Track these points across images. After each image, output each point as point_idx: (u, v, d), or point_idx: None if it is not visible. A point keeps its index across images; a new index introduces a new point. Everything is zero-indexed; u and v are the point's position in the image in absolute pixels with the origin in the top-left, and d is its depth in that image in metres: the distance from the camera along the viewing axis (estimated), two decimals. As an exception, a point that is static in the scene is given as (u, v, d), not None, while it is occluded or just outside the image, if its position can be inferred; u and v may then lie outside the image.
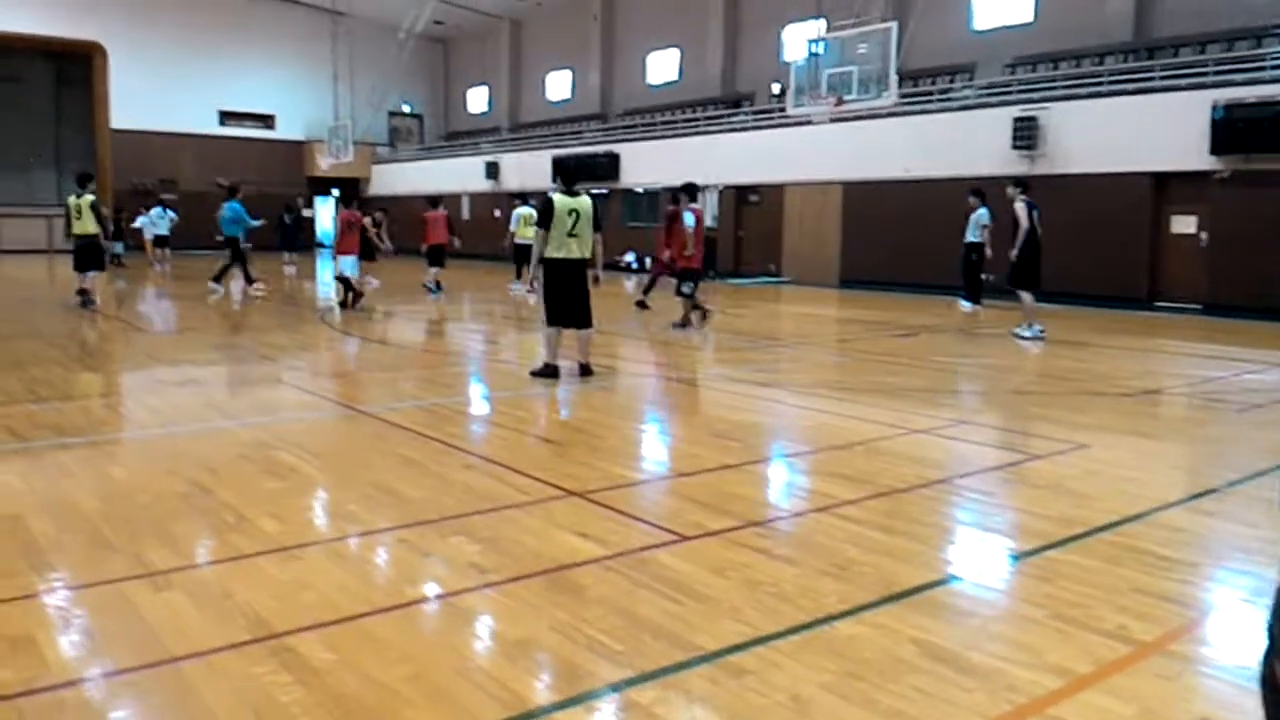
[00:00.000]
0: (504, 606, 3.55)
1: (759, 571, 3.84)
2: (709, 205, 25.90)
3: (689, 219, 12.35)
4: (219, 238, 17.54)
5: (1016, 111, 18.17)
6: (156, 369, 9.47)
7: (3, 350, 9.92)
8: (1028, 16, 21.44)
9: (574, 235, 8.17)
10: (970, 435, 6.69)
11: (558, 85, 35.94)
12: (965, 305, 14.91)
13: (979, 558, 4.28)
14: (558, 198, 8.17)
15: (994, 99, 19.36)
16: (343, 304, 14.53)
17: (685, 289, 12.52)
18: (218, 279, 16.84)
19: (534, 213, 19.17)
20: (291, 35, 36.53)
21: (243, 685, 2.89)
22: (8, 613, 3.42)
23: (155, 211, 26.28)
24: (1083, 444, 6.28)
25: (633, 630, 3.28)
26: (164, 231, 25.99)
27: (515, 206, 19.12)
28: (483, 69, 39.33)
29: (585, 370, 8.67)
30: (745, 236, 24.64)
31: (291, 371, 9.44)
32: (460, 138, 39.50)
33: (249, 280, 16.95)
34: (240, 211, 16.79)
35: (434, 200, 19.16)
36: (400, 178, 36.76)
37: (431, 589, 3.76)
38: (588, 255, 8.35)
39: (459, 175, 33.60)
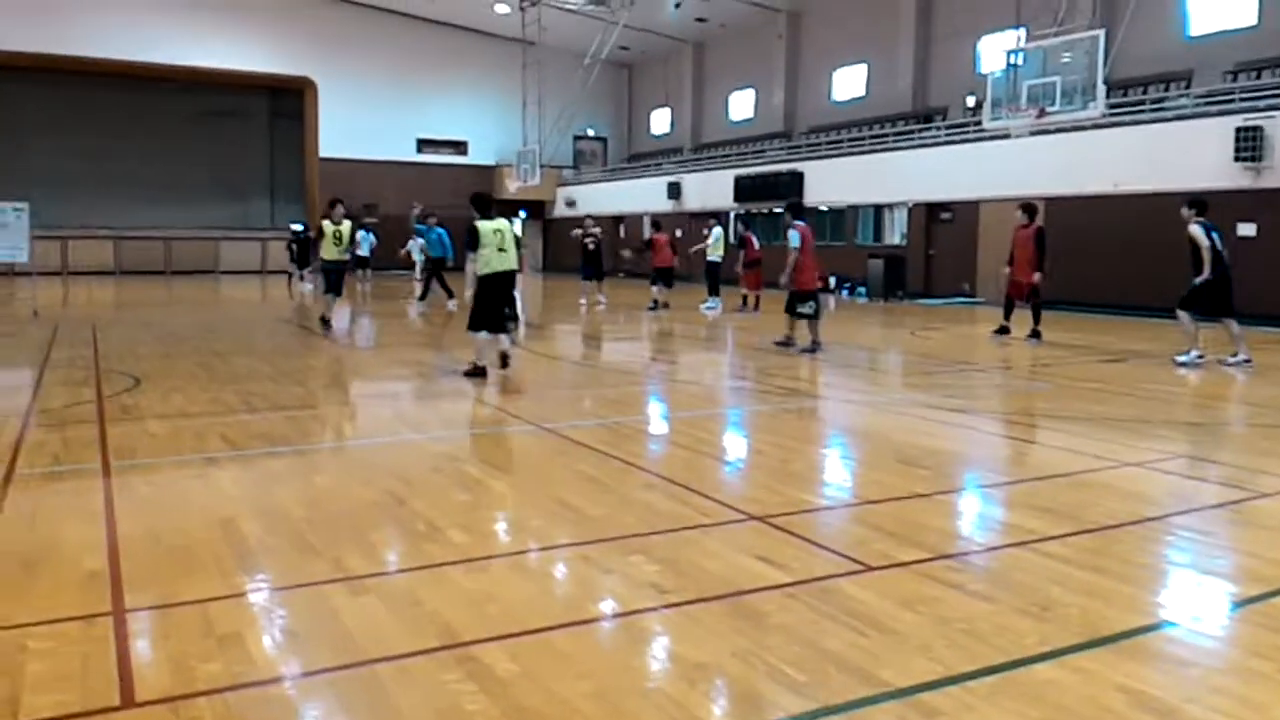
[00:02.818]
0: (684, 629, 3.50)
1: (951, 607, 3.66)
2: (897, 223, 25.29)
3: (794, 238, 11.90)
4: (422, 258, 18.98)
5: (1239, 121, 16.78)
6: (357, 383, 10.07)
7: (221, 366, 10.64)
8: (1251, 19, 19.92)
9: (502, 250, 9.37)
10: (1187, 470, 6.18)
11: (740, 104, 36.03)
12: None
13: (1197, 602, 3.92)
14: (480, 223, 9.30)
15: (1213, 108, 17.98)
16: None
17: (805, 309, 11.96)
18: (423, 296, 17.94)
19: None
20: (484, 65, 38.22)
21: (431, 691, 2.98)
22: (220, 610, 3.63)
23: (358, 234, 28.04)
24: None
25: (817, 661, 3.18)
26: (365, 253, 27.62)
27: (712, 226, 19.83)
28: (665, 91, 39.96)
29: (505, 361, 9.88)
30: (936, 255, 23.84)
31: (478, 387, 9.68)
32: (643, 159, 40.19)
33: (449, 295, 17.80)
34: (443, 236, 18.19)
35: (656, 223, 19.89)
36: (584, 199, 37.76)
37: (611, 606, 3.77)
38: (515, 267, 9.66)
39: (641, 196, 34.17)
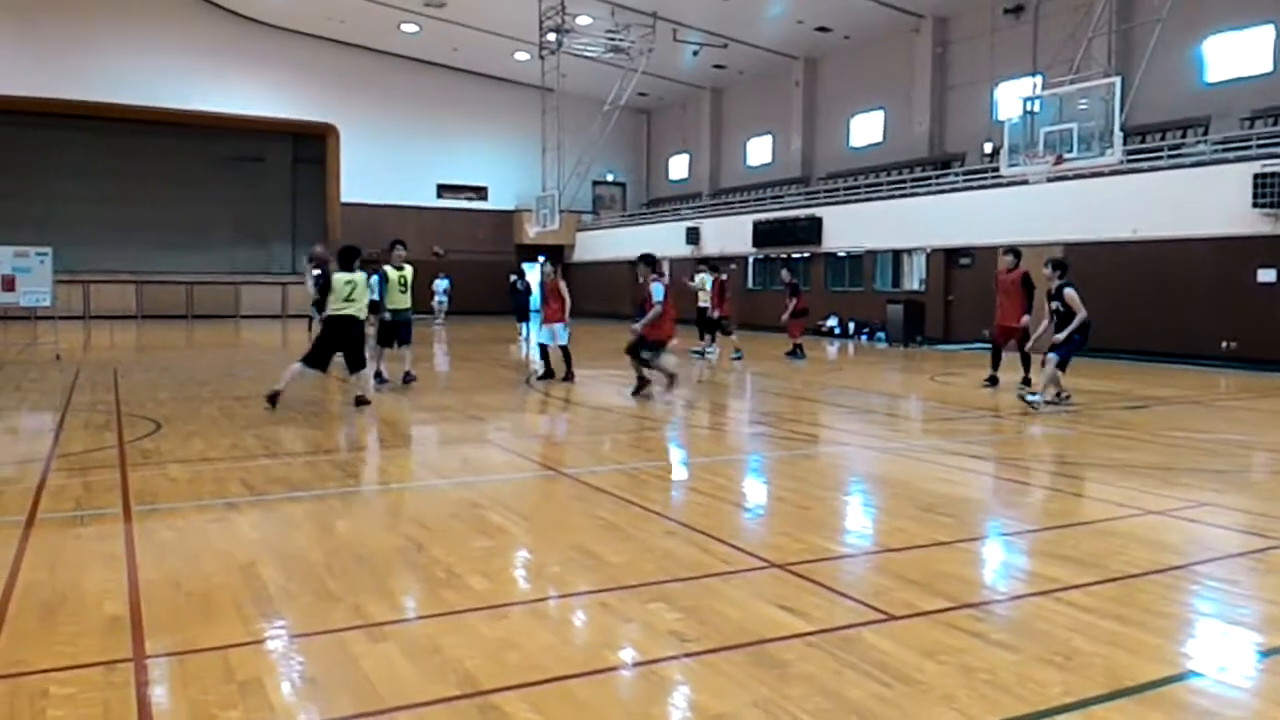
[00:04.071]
0: (704, 678, 3.50)
1: (974, 657, 3.65)
2: (916, 268, 25.32)
3: (658, 291, 11.83)
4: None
5: (1257, 167, 16.83)
6: (375, 428, 10.06)
7: (242, 410, 10.66)
8: (1267, 66, 20.15)
9: (351, 300, 10.71)
10: (1212, 518, 6.12)
11: (758, 150, 36.38)
12: None
13: (1222, 652, 3.90)
14: (335, 275, 10.81)
15: (1231, 154, 18.05)
16: (546, 375, 13.86)
17: (648, 354, 11.97)
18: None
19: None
20: (504, 111, 38.72)
21: (453, 740, 2.98)
22: (241, 656, 3.65)
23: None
24: (1343, 531, 5.67)
25: (839, 712, 3.18)
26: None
27: (700, 271, 19.77)
28: (683, 137, 40.43)
29: (361, 400, 10.85)
30: (955, 300, 23.85)
31: (498, 433, 9.71)
32: (661, 204, 40.55)
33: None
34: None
35: (715, 267, 19.86)
36: (603, 244, 38.01)
37: (632, 655, 3.76)
38: (362, 316, 10.94)
39: (660, 241, 34.24)
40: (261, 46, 35.25)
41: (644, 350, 11.98)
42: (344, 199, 37.45)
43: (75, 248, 30.83)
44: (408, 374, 13.16)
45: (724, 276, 19.74)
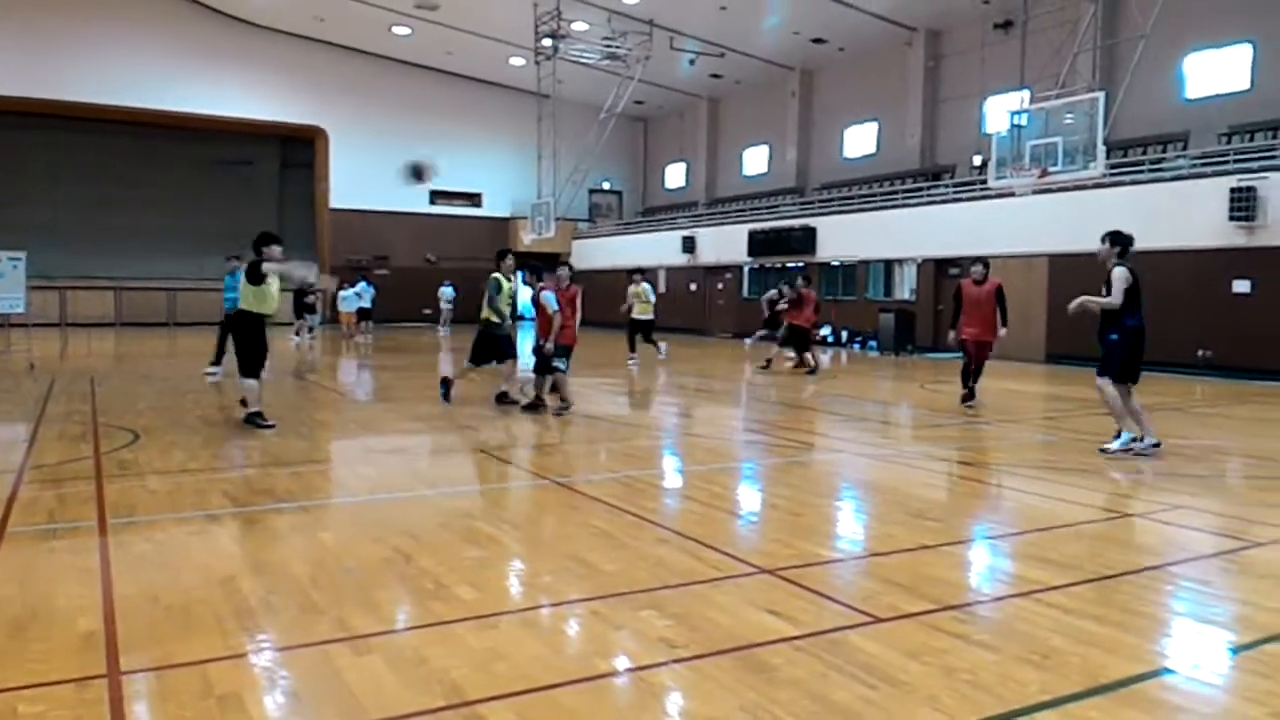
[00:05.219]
0: (693, 683, 3.54)
1: (956, 657, 3.77)
2: (907, 278, 25.55)
3: (551, 300, 11.08)
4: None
5: (1233, 182, 17.29)
6: (365, 437, 9.93)
7: (224, 420, 10.46)
8: (1244, 84, 20.64)
9: (273, 301, 9.93)
10: (1187, 520, 6.32)
11: (754, 160, 36.57)
12: None
13: (1194, 650, 4.07)
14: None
15: (1209, 169, 18.48)
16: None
17: (560, 364, 11.21)
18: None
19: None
20: (499, 117, 38.25)
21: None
22: (220, 671, 3.58)
23: (361, 285, 27.58)
24: (1311, 533, 5.90)
25: (825, 714, 3.25)
26: (367, 304, 27.32)
27: (635, 281, 18.75)
28: (680, 146, 40.49)
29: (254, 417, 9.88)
30: (945, 310, 24.06)
31: (490, 441, 9.54)
32: (658, 213, 40.59)
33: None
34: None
35: (807, 277, 19.02)
36: (599, 252, 38.12)
37: (622, 663, 3.77)
38: (274, 314, 10.06)
39: (656, 249, 34.51)
40: (248, 47, 34.44)
41: (557, 360, 11.16)
42: (334, 204, 36.76)
43: (51, 252, 29.71)
44: (503, 394, 11.97)
45: (795, 291, 17.82)
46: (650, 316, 18.74)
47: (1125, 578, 4.91)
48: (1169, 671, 3.74)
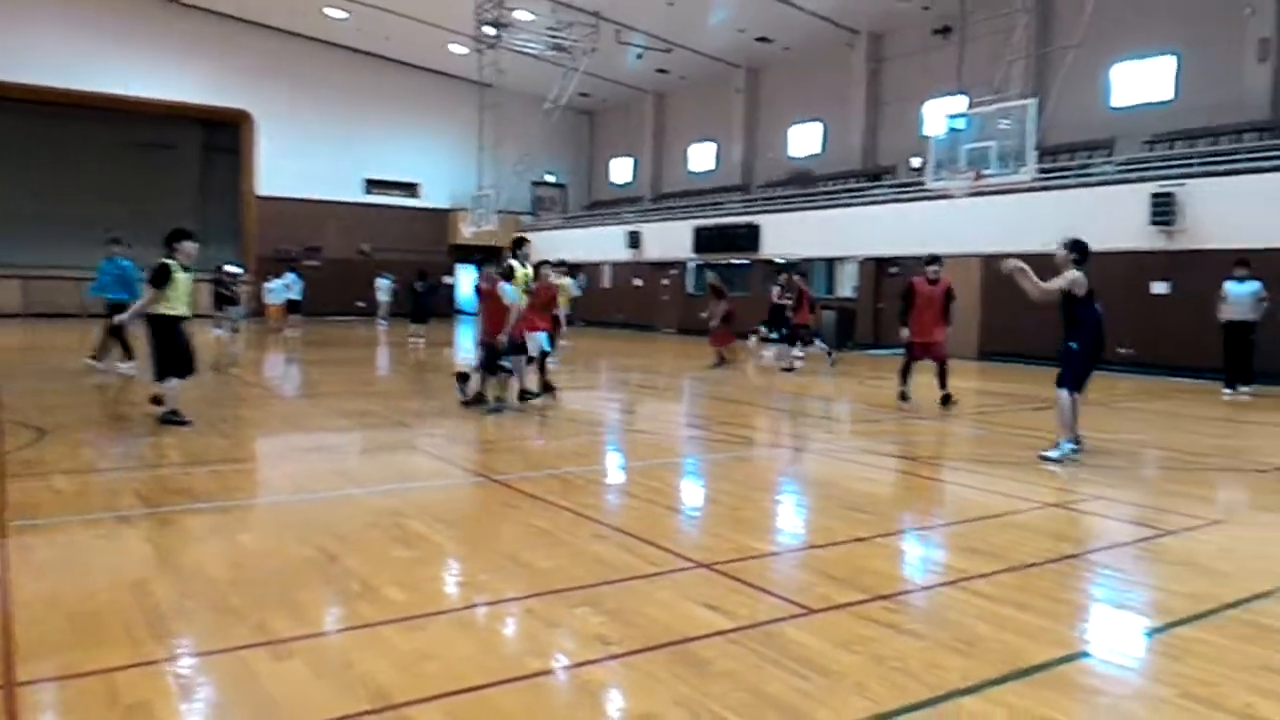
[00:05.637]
0: (628, 679, 3.55)
1: (885, 646, 3.86)
2: (849, 276, 25.94)
3: (511, 292, 11.00)
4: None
5: (1154, 187, 18.08)
6: (289, 434, 9.61)
7: (139, 417, 9.96)
8: (1168, 94, 21.57)
9: (186, 300, 9.45)
10: (1105, 510, 6.61)
11: (700, 157, 36.71)
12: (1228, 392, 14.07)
13: (1109, 634, 4.27)
14: (177, 268, 9.31)
15: (1133, 175, 19.24)
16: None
17: (506, 364, 11.02)
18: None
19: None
20: (438, 105, 37.48)
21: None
22: (127, 679, 3.42)
23: (290, 277, 26.94)
24: (1217, 520, 6.24)
25: (757, 706, 3.29)
26: (296, 296, 26.60)
27: (564, 274, 17.60)
28: (627, 140, 40.29)
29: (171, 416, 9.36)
30: (885, 308, 24.52)
31: (425, 438, 9.36)
32: (603, 207, 40.46)
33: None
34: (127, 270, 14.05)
35: (803, 272, 19.09)
36: (544, 246, 37.92)
37: (556, 660, 3.73)
38: (190, 315, 9.56)
39: (601, 244, 34.43)
40: (169, 23, 32.77)
41: (510, 354, 11.01)
42: (260, 192, 35.16)
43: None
44: (525, 392, 11.71)
45: (796, 279, 18.14)
46: (567, 311, 17.94)
47: (1048, 566, 5.11)
48: (1086, 655, 3.90)
